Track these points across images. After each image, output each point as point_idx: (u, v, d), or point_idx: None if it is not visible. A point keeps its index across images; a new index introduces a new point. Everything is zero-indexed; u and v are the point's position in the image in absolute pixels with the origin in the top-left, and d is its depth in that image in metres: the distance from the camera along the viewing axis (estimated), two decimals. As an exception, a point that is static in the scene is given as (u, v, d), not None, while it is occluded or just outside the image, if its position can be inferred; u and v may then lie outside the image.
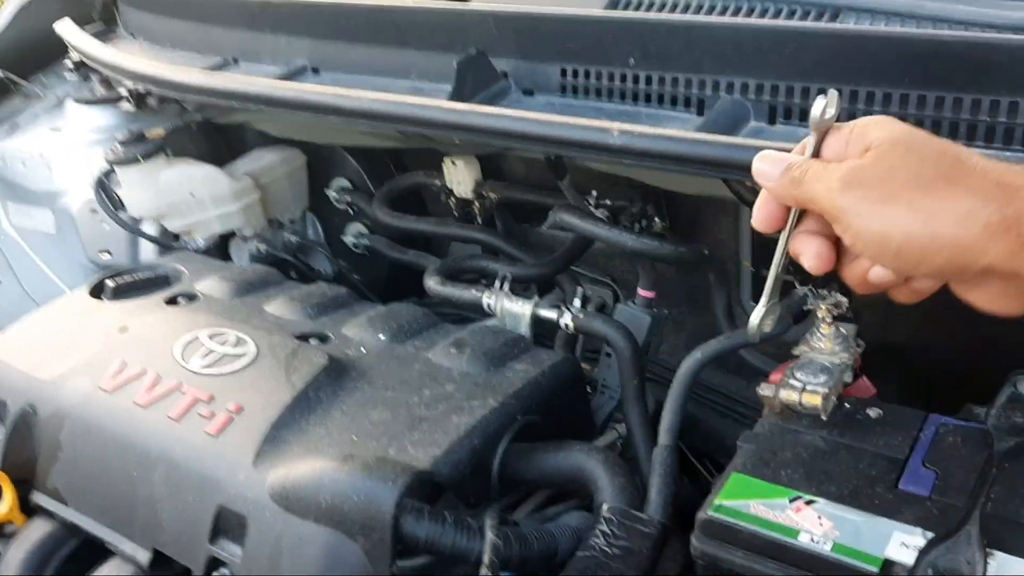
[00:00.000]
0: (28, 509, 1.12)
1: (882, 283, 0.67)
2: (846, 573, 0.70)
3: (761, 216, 0.72)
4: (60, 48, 1.79)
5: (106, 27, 1.78)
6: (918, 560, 0.68)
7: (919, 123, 0.92)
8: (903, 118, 0.92)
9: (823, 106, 0.67)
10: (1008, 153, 0.88)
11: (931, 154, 0.63)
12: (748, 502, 0.77)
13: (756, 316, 0.81)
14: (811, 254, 0.69)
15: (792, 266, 0.76)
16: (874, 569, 0.69)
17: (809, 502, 0.76)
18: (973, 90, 0.89)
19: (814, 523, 0.74)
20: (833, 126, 0.68)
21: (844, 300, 0.92)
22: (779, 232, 0.73)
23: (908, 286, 0.68)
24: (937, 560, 0.68)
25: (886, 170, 0.63)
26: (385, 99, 1.07)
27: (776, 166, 0.69)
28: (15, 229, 1.73)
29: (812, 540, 0.72)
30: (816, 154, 0.69)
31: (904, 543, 0.70)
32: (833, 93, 0.68)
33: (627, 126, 0.90)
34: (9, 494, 1.11)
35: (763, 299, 0.80)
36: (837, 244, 0.69)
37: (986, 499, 0.73)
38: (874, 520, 0.73)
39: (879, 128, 0.66)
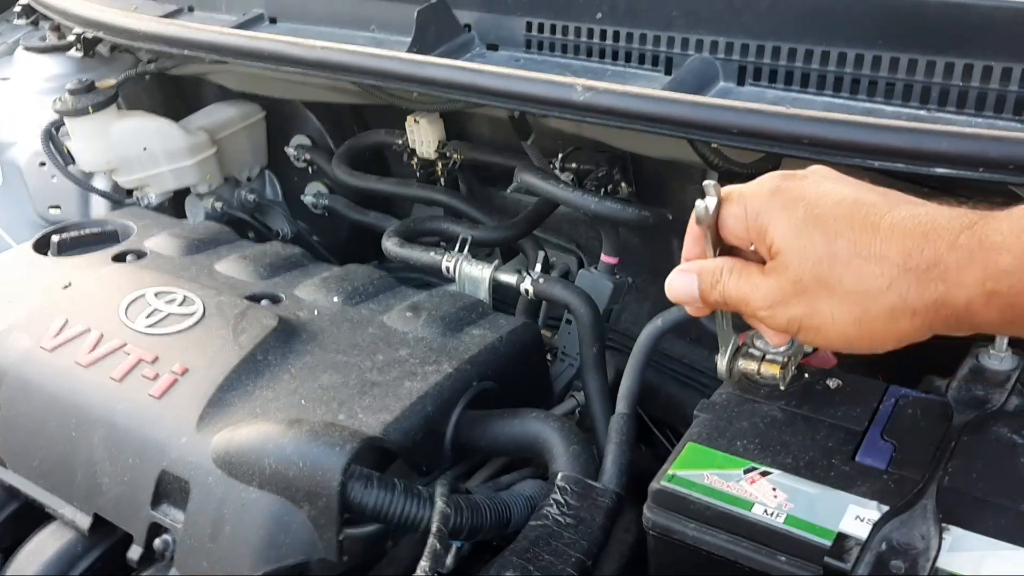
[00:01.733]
0: (-36, 471, 1.08)
1: None
2: (799, 546, 0.68)
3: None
4: (10, -5, 1.73)
5: (58, -28, 1.70)
6: (872, 534, 0.67)
7: (891, 87, 0.90)
8: (874, 82, 0.91)
9: (705, 205, 0.64)
10: (979, 119, 0.86)
11: (826, 248, 0.58)
12: (702, 472, 0.75)
13: (723, 362, 0.80)
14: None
15: None
16: (827, 542, 0.67)
17: (764, 473, 0.74)
18: (949, 53, 0.87)
19: (768, 495, 0.72)
20: (724, 197, 0.65)
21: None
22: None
23: None
24: (891, 534, 0.66)
25: (796, 283, 0.60)
26: (341, 49, 1.03)
27: (687, 283, 0.67)
28: (-41, 181, 1.66)
29: (766, 512, 0.70)
30: (717, 243, 0.67)
31: (859, 516, 0.69)
32: (710, 185, 0.64)
33: (592, 83, 0.87)
34: (-56, 455, 1.07)
35: (723, 347, 0.79)
36: None
37: (944, 473, 0.71)
38: (829, 492, 0.71)
39: (774, 222, 0.61)
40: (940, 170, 0.77)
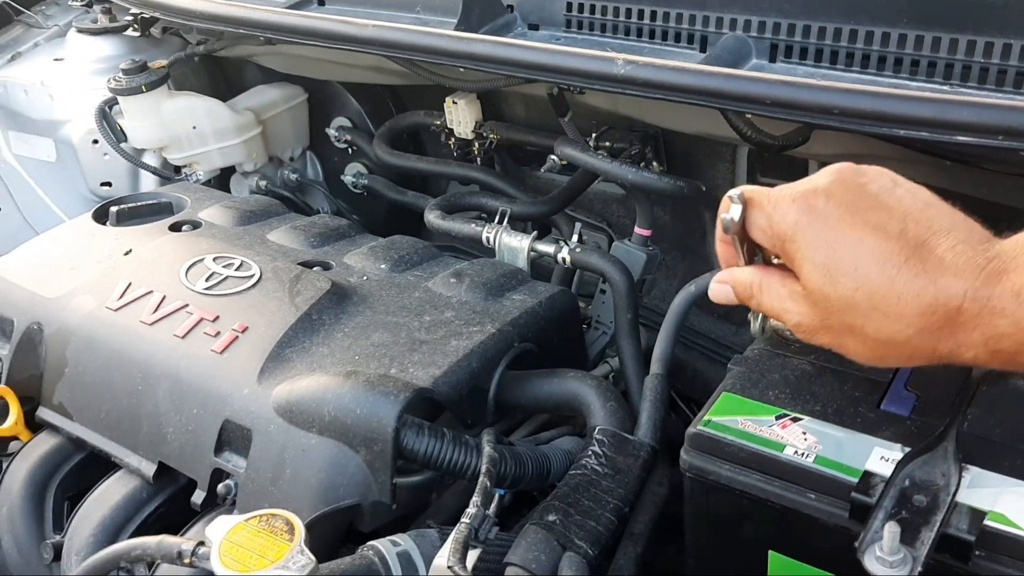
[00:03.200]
0: (34, 425, 1.15)
1: None
2: (827, 483, 0.73)
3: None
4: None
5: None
6: (895, 472, 0.72)
7: (915, 64, 0.95)
8: (899, 59, 0.96)
9: (731, 216, 0.66)
10: (999, 95, 0.90)
11: (849, 298, 0.61)
12: (736, 418, 0.80)
13: (756, 321, 0.87)
14: None
15: None
16: (854, 480, 0.72)
17: (795, 419, 0.79)
18: (970, 31, 0.92)
19: (799, 438, 0.77)
20: (749, 200, 0.66)
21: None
22: None
23: None
24: (914, 472, 0.71)
25: (823, 320, 0.63)
26: (393, 27, 1.08)
27: (726, 292, 0.71)
28: (15, 158, 1.74)
29: (796, 453, 0.76)
30: (744, 245, 0.69)
31: (883, 456, 0.74)
32: (735, 194, 0.66)
33: (632, 56, 0.92)
34: (15, 409, 1.13)
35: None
36: None
37: (963, 419, 0.76)
38: (856, 436, 0.76)
39: (799, 257, 0.63)
40: (962, 138, 0.81)
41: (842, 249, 0.61)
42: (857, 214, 0.62)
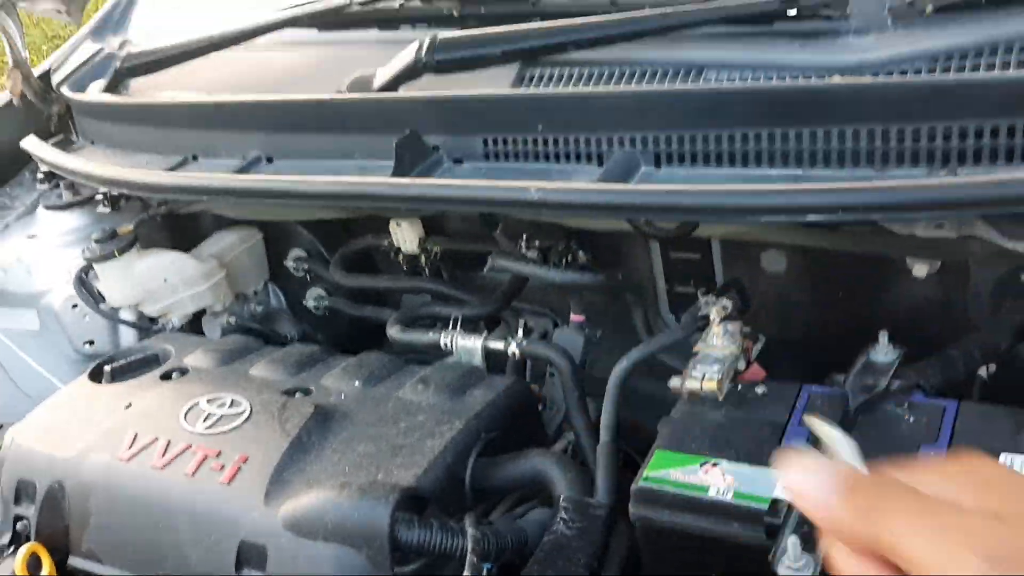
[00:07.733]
0: (65, 573, 1.27)
1: None
2: (744, 513, 0.90)
3: None
4: (21, 160, 1.96)
5: (64, 137, 1.94)
6: (798, 495, 0.89)
7: (772, 155, 1.14)
8: (759, 152, 1.16)
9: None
10: (843, 172, 1.11)
11: None
12: (669, 471, 0.97)
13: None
14: None
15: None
16: (764, 507, 0.90)
17: (715, 464, 0.96)
18: (813, 124, 1.11)
19: (719, 479, 0.94)
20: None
21: (729, 303, 1.13)
22: None
23: None
24: (811, 493, 0.89)
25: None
26: (336, 181, 1.27)
27: (821, 486, 0.51)
28: (1, 332, 1.87)
29: (718, 492, 0.93)
30: None
31: (787, 485, 0.91)
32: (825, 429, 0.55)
33: (542, 184, 1.11)
34: (47, 562, 1.26)
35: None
36: None
37: (846, 443, 0.94)
38: (764, 471, 0.94)
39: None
40: (811, 217, 1.01)
41: None
42: None
